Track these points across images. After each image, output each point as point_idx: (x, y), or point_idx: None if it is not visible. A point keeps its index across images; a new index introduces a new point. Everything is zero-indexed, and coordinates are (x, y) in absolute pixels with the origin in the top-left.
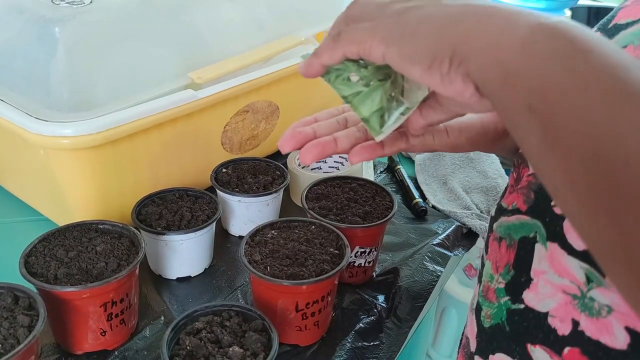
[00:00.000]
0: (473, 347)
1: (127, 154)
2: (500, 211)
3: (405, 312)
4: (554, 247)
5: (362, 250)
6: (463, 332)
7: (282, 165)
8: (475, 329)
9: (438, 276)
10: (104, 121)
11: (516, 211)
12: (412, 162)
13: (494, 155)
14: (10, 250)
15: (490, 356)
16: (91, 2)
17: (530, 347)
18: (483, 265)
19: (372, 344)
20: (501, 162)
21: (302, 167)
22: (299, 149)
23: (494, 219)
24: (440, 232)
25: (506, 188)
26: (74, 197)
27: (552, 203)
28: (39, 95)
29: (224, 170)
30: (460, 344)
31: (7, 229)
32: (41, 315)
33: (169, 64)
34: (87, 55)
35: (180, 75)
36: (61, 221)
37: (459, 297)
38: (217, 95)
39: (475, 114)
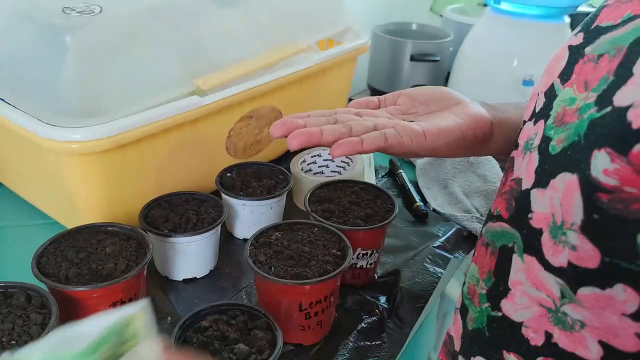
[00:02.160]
0: (457, 346)
1: (134, 159)
2: (489, 216)
3: (406, 313)
4: (531, 260)
5: (364, 252)
6: (447, 331)
7: (285, 170)
8: (460, 330)
9: (439, 277)
10: (112, 126)
11: (499, 218)
12: (413, 166)
13: (493, 160)
14: (21, 252)
15: (472, 358)
16: (100, 11)
17: (505, 353)
18: (469, 269)
19: (374, 343)
20: (501, 167)
21: (305, 172)
22: (287, 135)
23: (484, 223)
24: (440, 235)
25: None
26: (82, 200)
27: (529, 216)
28: (49, 101)
29: (228, 174)
30: (443, 342)
31: (17, 231)
32: (54, 314)
33: (174, 71)
34: (96, 62)
35: (185, 82)
36: (69, 224)
37: None
38: (222, 101)
39: (454, 120)
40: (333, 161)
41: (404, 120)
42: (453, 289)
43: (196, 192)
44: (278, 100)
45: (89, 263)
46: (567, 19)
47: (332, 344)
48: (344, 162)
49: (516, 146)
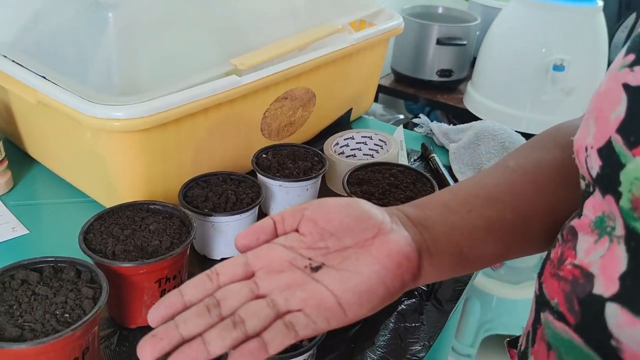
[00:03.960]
0: None
1: (173, 138)
2: (542, 297)
3: (445, 296)
4: None
5: None
6: None
7: (320, 152)
8: None
9: None
10: (154, 105)
11: (561, 316)
12: (446, 150)
13: None
14: (61, 229)
15: None
16: None
17: None
18: (526, 355)
19: (413, 325)
20: None
21: (338, 155)
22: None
23: (539, 299)
24: None
25: (545, 259)
26: (122, 179)
27: (615, 344)
28: (88, 78)
29: (264, 155)
30: None
31: (56, 209)
32: (104, 288)
33: (211, 51)
34: (136, 40)
35: (221, 62)
36: (107, 203)
37: (482, 287)
38: (258, 81)
39: (376, 271)
40: (366, 144)
41: (310, 262)
42: (477, 276)
43: (233, 173)
44: (312, 82)
45: (134, 240)
46: (600, 2)
47: (372, 324)
48: (377, 145)
49: (579, 214)
